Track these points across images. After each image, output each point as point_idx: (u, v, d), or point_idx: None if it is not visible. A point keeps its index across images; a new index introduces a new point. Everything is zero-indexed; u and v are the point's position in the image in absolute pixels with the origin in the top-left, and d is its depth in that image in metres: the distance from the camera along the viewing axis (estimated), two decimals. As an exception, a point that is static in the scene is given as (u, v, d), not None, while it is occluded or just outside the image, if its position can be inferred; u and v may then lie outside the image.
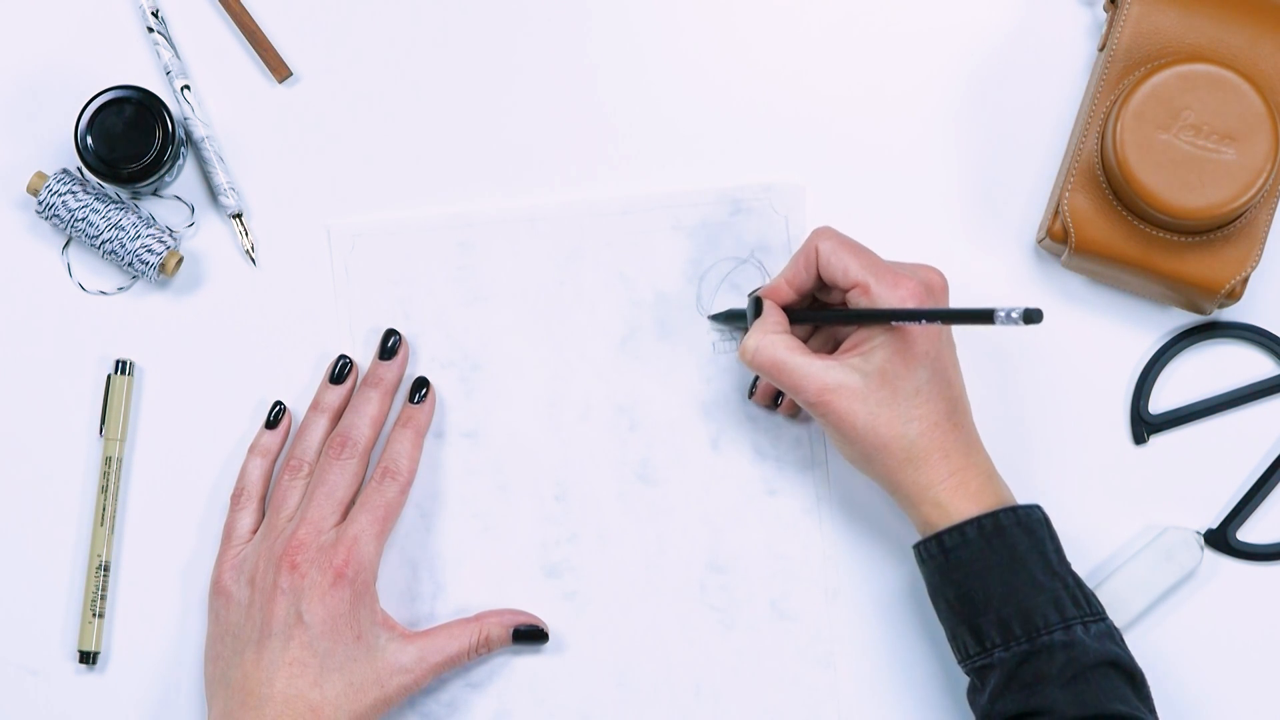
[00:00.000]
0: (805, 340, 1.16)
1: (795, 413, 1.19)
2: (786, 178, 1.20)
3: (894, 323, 1.09)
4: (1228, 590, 1.18)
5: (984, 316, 1.04)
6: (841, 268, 1.11)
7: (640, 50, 1.22)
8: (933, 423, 1.09)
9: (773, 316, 1.13)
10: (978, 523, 1.08)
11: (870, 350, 1.09)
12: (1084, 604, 1.08)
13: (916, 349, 1.09)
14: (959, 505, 1.09)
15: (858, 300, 1.10)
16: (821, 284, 1.13)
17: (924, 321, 1.08)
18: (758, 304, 1.14)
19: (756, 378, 1.19)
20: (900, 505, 1.12)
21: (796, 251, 1.14)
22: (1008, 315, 1.02)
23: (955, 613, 1.09)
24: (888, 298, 1.09)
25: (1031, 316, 1.01)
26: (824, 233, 1.12)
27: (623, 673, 1.18)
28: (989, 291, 1.19)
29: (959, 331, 1.15)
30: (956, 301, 1.16)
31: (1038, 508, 1.10)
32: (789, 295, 1.14)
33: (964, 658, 1.10)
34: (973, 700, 1.10)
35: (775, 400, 1.19)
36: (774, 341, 1.11)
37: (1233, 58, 1.14)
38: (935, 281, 1.12)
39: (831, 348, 1.15)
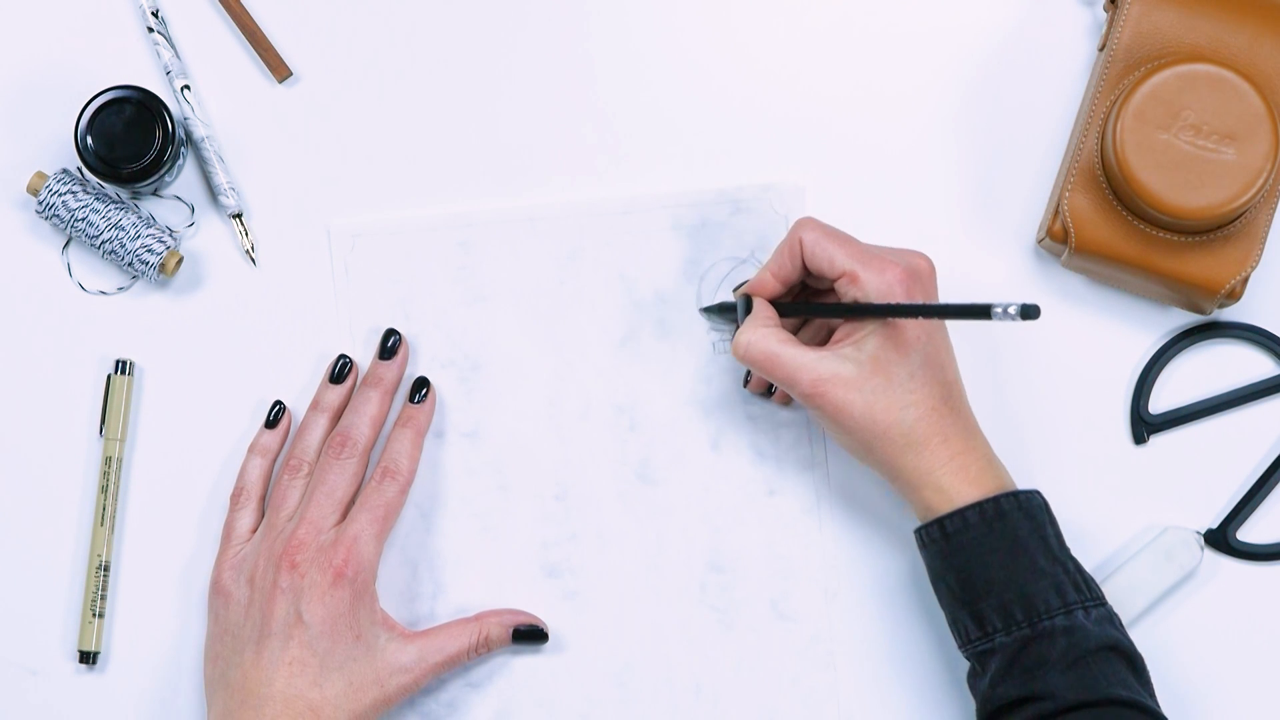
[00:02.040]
0: (796, 333, 1.16)
1: (789, 400, 1.19)
2: (786, 178, 1.21)
3: (891, 318, 1.09)
4: (1228, 590, 1.18)
5: (980, 312, 1.04)
6: (827, 257, 1.11)
7: (640, 50, 1.22)
8: (929, 407, 1.09)
9: (763, 311, 1.13)
10: (979, 507, 1.08)
11: (862, 339, 1.09)
12: (1084, 589, 1.08)
13: (908, 335, 1.09)
14: (960, 489, 1.09)
15: (846, 289, 1.10)
16: (808, 273, 1.13)
17: (919, 317, 1.08)
18: (746, 300, 1.14)
19: (749, 370, 1.19)
20: (900, 492, 1.12)
21: (780, 243, 1.14)
22: (1005, 311, 1.02)
23: (956, 598, 1.09)
24: (876, 284, 1.09)
25: (1029, 312, 1.01)
26: (807, 223, 1.12)
27: (623, 673, 1.18)
28: (989, 292, 1.19)
29: (961, 327, 1.15)
30: (953, 297, 1.16)
31: (1037, 493, 1.10)
32: (775, 288, 1.14)
33: (964, 642, 1.10)
34: (973, 685, 1.11)
35: (769, 389, 1.19)
36: (766, 335, 1.11)
37: (1233, 58, 1.14)
38: (922, 266, 1.12)
39: (824, 339, 1.15)
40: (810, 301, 1.16)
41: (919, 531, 1.11)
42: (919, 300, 1.10)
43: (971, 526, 1.08)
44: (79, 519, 1.20)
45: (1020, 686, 1.07)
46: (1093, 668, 1.07)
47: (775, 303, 1.14)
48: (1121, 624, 1.10)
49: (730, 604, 1.19)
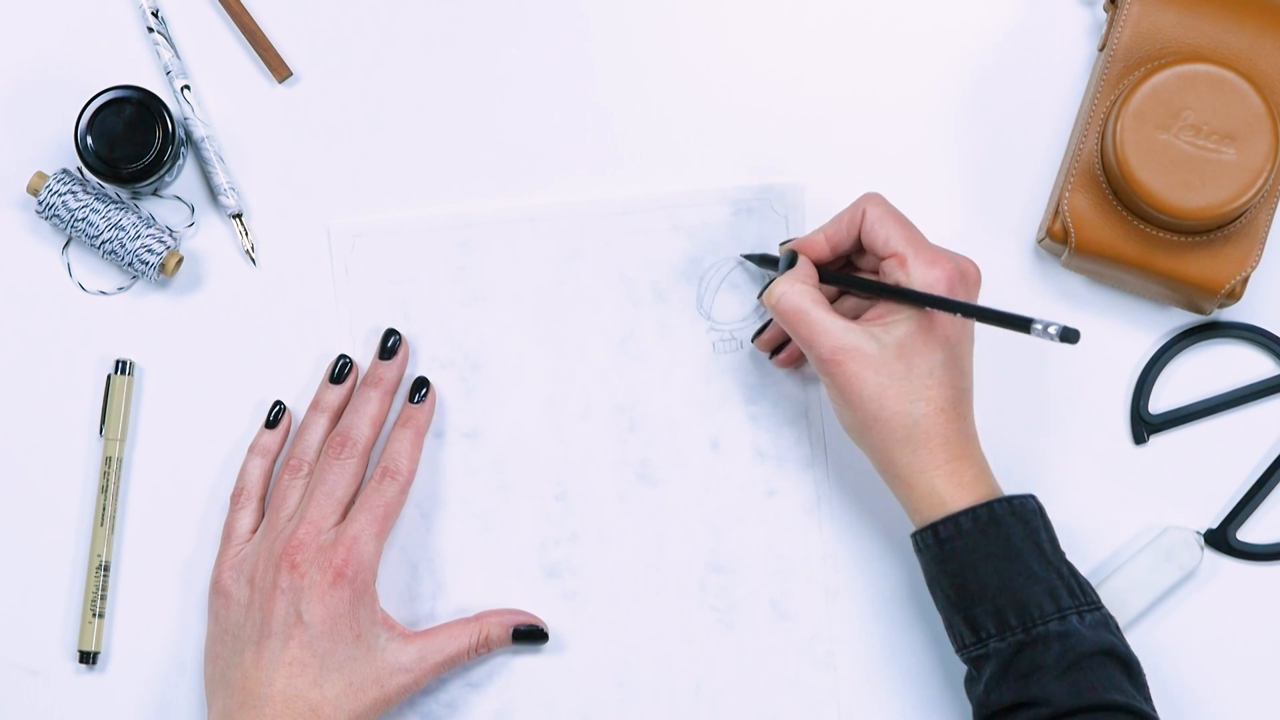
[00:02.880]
0: (832, 302, 1.15)
1: (792, 365, 1.19)
2: (786, 178, 1.21)
3: (928, 308, 1.08)
4: (1228, 590, 1.18)
5: (1020, 324, 1.04)
6: (884, 236, 1.11)
7: (640, 51, 1.22)
8: (939, 407, 1.09)
9: (805, 269, 1.13)
10: (972, 513, 1.08)
11: (894, 322, 1.09)
12: (1079, 593, 1.08)
13: (938, 332, 1.09)
14: (953, 494, 1.09)
15: (893, 271, 1.10)
16: (859, 249, 1.14)
17: (959, 314, 1.07)
18: (791, 256, 1.14)
19: (764, 325, 1.18)
20: (890, 485, 1.11)
21: (843, 210, 1.13)
22: (1045, 329, 1.02)
23: (951, 603, 1.09)
24: (923, 275, 1.09)
25: (1069, 336, 1.02)
26: (874, 198, 1.12)
27: (623, 673, 1.18)
28: (989, 292, 1.19)
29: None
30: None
31: (1032, 497, 1.10)
32: (824, 251, 1.14)
33: (960, 647, 1.10)
34: (969, 689, 1.11)
35: (774, 351, 1.18)
36: (801, 291, 1.11)
37: (1233, 58, 1.14)
38: (970, 272, 1.12)
39: (854, 318, 1.14)
40: (849, 273, 1.15)
41: (914, 536, 1.11)
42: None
43: (965, 532, 1.08)
44: (79, 519, 1.20)
45: (1015, 692, 1.07)
46: (1087, 673, 1.06)
47: (819, 267, 1.14)
48: (1118, 628, 1.09)
49: (730, 604, 1.19)
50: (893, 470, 1.10)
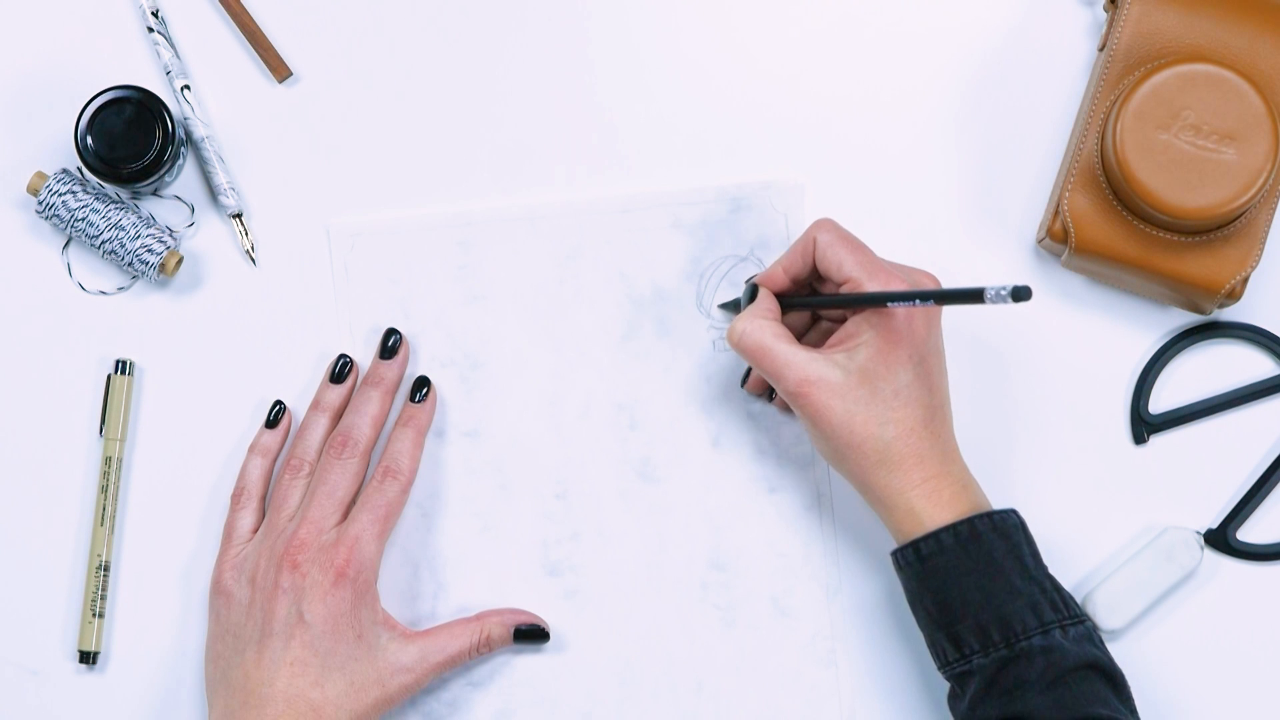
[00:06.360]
0: (804, 333, 1.16)
1: (759, 391, 1.19)
2: (786, 176, 1.21)
3: (889, 304, 1.08)
4: (1228, 590, 1.18)
5: (974, 296, 1.03)
6: (836, 262, 1.11)
7: (640, 50, 1.22)
8: (909, 428, 1.09)
9: (765, 303, 1.13)
10: (953, 529, 1.08)
11: (855, 347, 1.09)
12: (1062, 607, 1.08)
13: (901, 352, 1.09)
14: (932, 512, 1.09)
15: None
16: (819, 275, 1.14)
17: (917, 303, 1.07)
18: (753, 290, 1.14)
19: (750, 367, 1.19)
20: (872, 507, 1.11)
21: (796, 240, 1.14)
22: (997, 294, 1.02)
23: (933, 620, 1.09)
24: None
25: (1020, 294, 1.01)
26: (824, 224, 1.12)
27: (624, 671, 1.19)
28: (989, 291, 1.19)
29: (962, 329, 1.15)
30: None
31: (1013, 512, 1.10)
32: (784, 282, 1.14)
33: (943, 664, 1.10)
34: (953, 707, 1.11)
35: (770, 394, 1.19)
36: (762, 326, 1.11)
37: (1233, 58, 1.14)
38: (927, 285, 1.12)
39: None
40: (810, 295, 1.16)
41: (894, 554, 1.11)
42: (918, 322, 1.10)
43: (946, 549, 1.08)
44: (79, 519, 1.20)
45: (999, 708, 1.07)
46: (1071, 687, 1.06)
47: (779, 296, 1.14)
48: (1102, 641, 1.10)
49: (731, 601, 1.19)
50: (872, 494, 1.10)
